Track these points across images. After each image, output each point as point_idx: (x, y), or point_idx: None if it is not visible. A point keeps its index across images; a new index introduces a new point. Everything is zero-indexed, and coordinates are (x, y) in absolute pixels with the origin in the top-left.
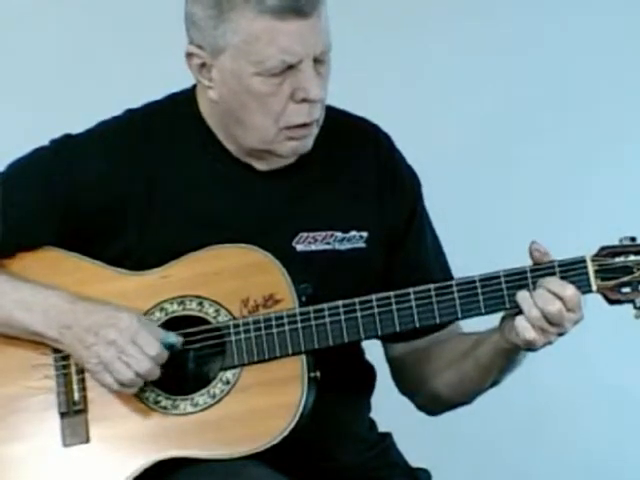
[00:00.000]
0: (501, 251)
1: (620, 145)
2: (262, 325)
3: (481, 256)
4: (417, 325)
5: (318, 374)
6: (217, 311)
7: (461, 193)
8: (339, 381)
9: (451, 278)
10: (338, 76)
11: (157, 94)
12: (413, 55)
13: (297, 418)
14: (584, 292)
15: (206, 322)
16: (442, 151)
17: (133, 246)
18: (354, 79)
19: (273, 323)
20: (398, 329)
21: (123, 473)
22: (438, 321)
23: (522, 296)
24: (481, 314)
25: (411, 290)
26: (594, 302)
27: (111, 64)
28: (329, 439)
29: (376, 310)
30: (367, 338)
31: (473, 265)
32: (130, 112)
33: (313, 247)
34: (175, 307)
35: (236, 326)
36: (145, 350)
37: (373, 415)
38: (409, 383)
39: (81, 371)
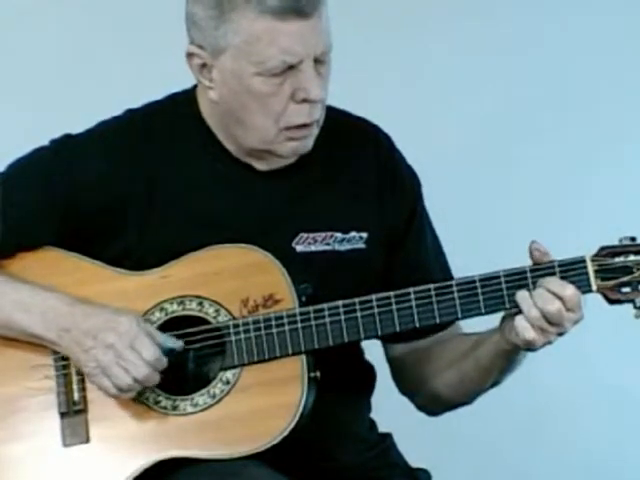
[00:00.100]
0: (501, 251)
1: (620, 145)
2: (262, 325)
3: (481, 256)
4: (417, 325)
5: (318, 374)
6: (217, 311)
7: (461, 193)
8: (339, 381)
9: (451, 278)
10: (338, 76)
11: (157, 94)
12: (413, 55)
13: (297, 418)
14: (584, 292)
15: (206, 322)
16: (442, 151)
17: (133, 246)
18: (354, 79)
19: (273, 323)
20: (398, 329)
21: (123, 473)
22: (438, 321)
23: (522, 296)
24: (481, 314)
25: (411, 290)
26: (594, 302)
27: (111, 64)
28: (329, 439)
29: (376, 310)
30: (367, 338)
31: (473, 265)
32: (130, 112)
33: (313, 248)
34: (175, 307)
35: (236, 326)
36: (143, 356)
37: (373, 415)
38: (409, 383)
39: (81, 371)
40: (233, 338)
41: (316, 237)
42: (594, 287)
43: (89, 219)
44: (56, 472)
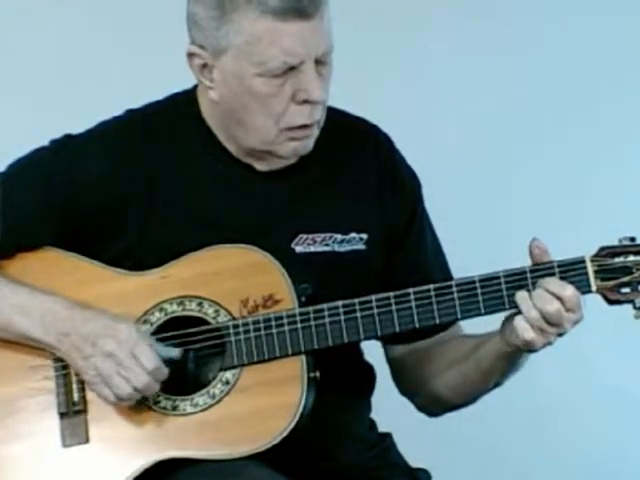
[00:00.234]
0: (501, 251)
1: (620, 145)
2: (262, 325)
3: (481, 256)
4: (417, 325)
5: (318, 374)
6: (217, 311)
7: (461, 193)
8: (339, 381)
9: (451, 278)
10: (338, 76)
11: (157, 94)
12: (413, 55)
13: (297, 418)
14: (584, 292)
15: (206, 322)
16: (442, 151)
17: (133, 246)
18: (354, 79)
19: (273, 323)
20: (398, 329)
21: (123, 473)
22: (438, 321)
23: (521, 296)
24: (481, 314)
25: (411, 290)
26: (594, 302)
27: (111, 64)
28: (329, 439)
29: (376, 310)
30: (367, 339)
31: (473, 265)
32: (131, 112)
33: (312, 249)
34: (175, 307)
35: (236, 326)
36: (144, 364)
37: (373, 415)
38: (409, 384)
39: None
40: (233, 338)
41: (315, 238)
42: (594, 287)
43: (89, 219)
44: (55, 472)
